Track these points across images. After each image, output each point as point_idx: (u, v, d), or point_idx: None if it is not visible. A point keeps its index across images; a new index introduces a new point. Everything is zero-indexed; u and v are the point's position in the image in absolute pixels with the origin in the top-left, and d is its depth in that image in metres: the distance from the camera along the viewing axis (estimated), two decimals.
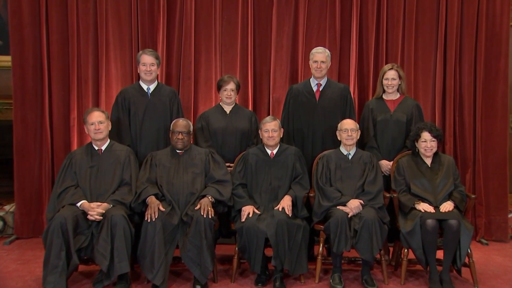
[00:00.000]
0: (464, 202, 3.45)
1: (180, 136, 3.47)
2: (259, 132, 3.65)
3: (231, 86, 3.81)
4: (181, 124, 3.51)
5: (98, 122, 3.38)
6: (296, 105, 3.89)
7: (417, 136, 3.52)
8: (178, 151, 3.52)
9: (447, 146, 4.50)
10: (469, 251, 3.29)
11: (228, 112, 3.87)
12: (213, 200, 3.34)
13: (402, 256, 3.39)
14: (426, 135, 3.47)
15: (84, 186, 3.33)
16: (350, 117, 3.73)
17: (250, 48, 4.50)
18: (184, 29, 4.48)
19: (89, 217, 3.17)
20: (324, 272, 3.55)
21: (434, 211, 3.30)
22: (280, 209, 3.34)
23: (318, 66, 3.79)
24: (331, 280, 3.37)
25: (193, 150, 3.57)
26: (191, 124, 3.59)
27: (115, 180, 3.37)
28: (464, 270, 3.40)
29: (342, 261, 3.47)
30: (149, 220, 3.16)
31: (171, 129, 3.53)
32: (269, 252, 3.32)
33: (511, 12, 4.57)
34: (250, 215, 3.33)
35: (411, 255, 3.36)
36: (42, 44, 4.38)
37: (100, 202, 3.25)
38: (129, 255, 3.13)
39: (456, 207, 3.37)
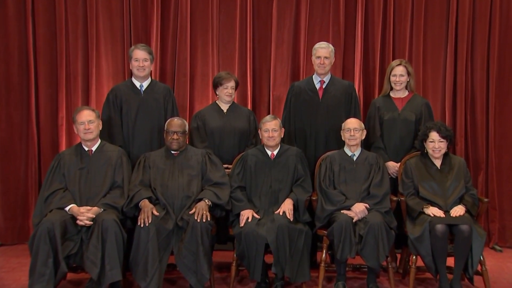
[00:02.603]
0: (476, 206, 3.47)
1: (175, 136, 3.49)
2: (259, 132, 3.67)
3: (231, 83, 3.83)
4: (176, 123, 3.52)
5: (88, 122, 3.39)
6: (298, 103, 3.91)
7: (425, 136, 3.54)
8: (173, 152, 3.54)
9: (458, 146, 4.52)
10: (481, 258, 3.30)
11: (225, 111, 3.89)
12: (210, 203, 3.35)
13: (410, 263, 3.41)
14: (434, 135, 3.49)
15: (73, 189, 3.34)
16: (355, 116, 3.75)
17: (249, 43, 4.52)
18: (179, 22, 4.51)
19: (78, 222, 3.19)
20: (327, 280, 3.57)
21: (444, 215, 3.32)
22: (281, 213, 3.36)
23: (321, 62, 3.81)
24: None
25: (189, 151, 3.59)
26: (186, 123, 3.61)
27: (106, 182, 3.38)
28: (477, 279, 3.40)
29: (347, 269, 3.50)
30: (142, 225, 3.17)
31: (165, 128, 3.54)
32: (269, 258, 3.34)
33: None
34: (249, 220, 3.35)
35: (420, 262, 3.37)
36: (28, 38, 4.40)
37: (90, 206, 3.26)
38: (121, 262, 3.14)
39: (467, 211, 3.39)
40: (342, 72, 4.55)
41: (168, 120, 3.58)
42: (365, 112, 4.20)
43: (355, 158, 3.61)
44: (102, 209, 3.26)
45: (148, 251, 3.15)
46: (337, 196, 3.46)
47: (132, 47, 3.84)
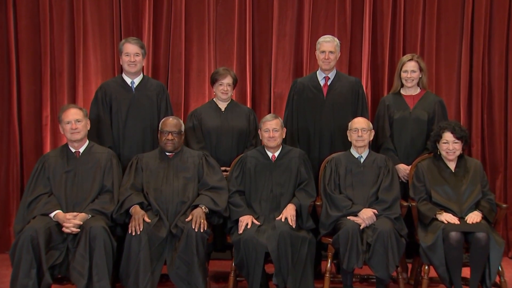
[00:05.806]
0: (494, 213, 3.48)
1: (169, 137, 3.51)
2: (259, 132, 3.69)
3: (227, 80, 3.85)
4: (170, 123, 3.54)
5: (75, 121, 3.41)
6: (301, 101, 3.93)
7: (438, 137, 3.55)
8: (167, 153, 3.56)
9: (474, 148, 4.54)
10: (500, 268, 3.31)
11: (223, 109, 3.91)
12: (207, 210, 3.37)
13: (422, 274, 3.42)
14: (448, 136, 3.51)
15: (59, 193, 3.36)
16: (362, 115, 3.77)
17: (249, 36, 4.54)
18: (173, 14, 4.52)
19: (64, 229, 3.20)
20: None
21: (458, 222, 3.34)
22: (282, 220, 3.38)
23: (326, 57, 3.83)
24: None
25: (185, 152, 3.61)
26: (182, 123, 3.63)
27: (95, 186, 3.40)
28: None
29: (354, 279, 3.52)
30: (133, 234, 3.19)
31: (159, 128, 3.56)
32: (270, 268, 3.36)
33: None
34: (249, 226, 3.36)
35: (433, 273, 3.39)
36: (9, 31, 4.41)
37: (77, 212, 3.28)
38: (110, 272, 3.15)
39: (484, 218, 3.40)
40: (348, 67, 4.57)
41: (163, 119, 3.60)
42: (373, 110, 4.23)
43: (362, 160, 3.63)
44: (90, 216, 3.27)
45: (139, 261, 3.16)
46: (343, 201, 3.47)
47: (123, 40, 3.86)
